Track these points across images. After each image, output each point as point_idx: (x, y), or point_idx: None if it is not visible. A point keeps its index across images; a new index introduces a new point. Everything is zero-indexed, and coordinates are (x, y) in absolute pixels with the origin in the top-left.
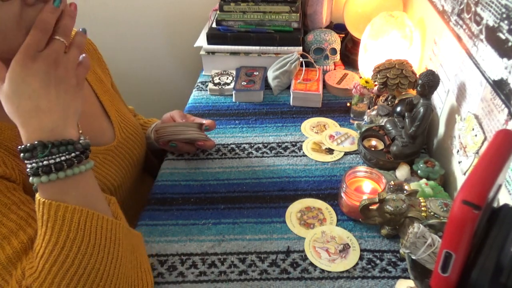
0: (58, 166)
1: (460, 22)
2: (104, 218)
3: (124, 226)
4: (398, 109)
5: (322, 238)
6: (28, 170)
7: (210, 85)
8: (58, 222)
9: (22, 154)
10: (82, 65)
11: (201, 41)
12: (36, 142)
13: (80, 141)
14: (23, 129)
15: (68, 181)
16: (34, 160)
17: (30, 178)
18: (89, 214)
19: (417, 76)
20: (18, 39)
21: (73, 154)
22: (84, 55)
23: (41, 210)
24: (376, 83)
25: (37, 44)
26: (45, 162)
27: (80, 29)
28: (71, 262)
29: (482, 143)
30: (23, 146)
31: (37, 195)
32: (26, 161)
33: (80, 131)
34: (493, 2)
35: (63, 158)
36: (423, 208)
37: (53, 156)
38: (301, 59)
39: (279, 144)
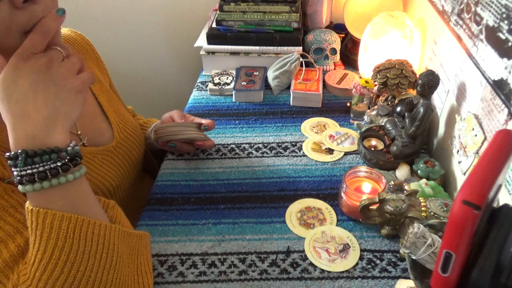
0: (42, 175)
1: (460, 22)
2: (96, 224)
3: (120, 230)
4: (398, 109)
5: (322, 238)
6: (13, 178)
7: (210, 85)
8: (46, 230)
9: (8, 162)
10: (85, 71)
11: (201, 41)
12: (19, 151)
13: (68, 149)
14: (10, 135)
15: (53, 190)
16: (17, 169)
17: (18, 186)
18: (79, 220)
19: (417, 76)
20: (9, 42)
21: (58, 163)
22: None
23: (30, 217)
24: (376, 83)
25: (34, 46)
26: (28, 171)
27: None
28: (61, 270)
29: (482, 143)
30: (8, 154)
31: (27, 203)
32: (12, 169)
33: (79, 132)
34: (493, 2)
35: (46, 167)
36: (423, 208)
37: (36, 165)
38: (301, 59)
39: (279, 144)
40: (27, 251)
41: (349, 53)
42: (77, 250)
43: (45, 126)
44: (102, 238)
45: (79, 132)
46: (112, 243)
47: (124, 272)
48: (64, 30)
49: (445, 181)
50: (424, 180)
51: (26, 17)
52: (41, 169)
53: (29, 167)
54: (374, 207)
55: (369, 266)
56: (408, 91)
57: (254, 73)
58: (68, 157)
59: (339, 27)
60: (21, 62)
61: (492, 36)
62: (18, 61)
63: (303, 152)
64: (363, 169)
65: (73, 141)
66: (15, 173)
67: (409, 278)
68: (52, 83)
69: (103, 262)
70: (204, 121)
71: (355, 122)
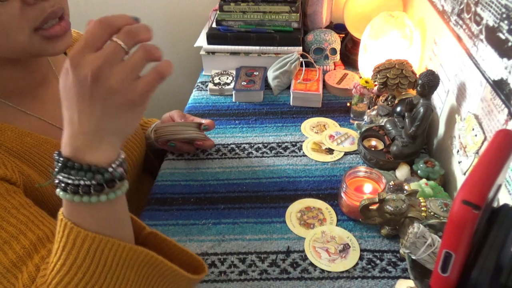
0: (73, 189)
1: (460, 22)
2: (120, 246)
3: (146, 253)
4: (398, 109)
5: (322, 238)
6: (58, 181)
7: (210, 85)
8: (68, 245)
9: (54, 161)
10: (146, 78)
11: (201, 41)
12: (61, 158)
13: (110, 169)
14: (63, 134)
15: (83, 206)
16: (62, 175)
17: (57, 190)
18: (103, 241)
19: (417, 76)
20: (20, 39)
21: (93, 182)
22: (162, 63)
23: (58, 225)
24: (376, 83)
25: (93, 41)
26: (75, 182)
27: (134, 18)
28: (75, 286)
29: (482, 143)
30: (55, 155)
31: (61, 209)
32: (56, 169)
33: (122, 156)
34: (493, 2)
35: (81, 182)
36: (423, 208)
37: (71, 177)
38: (301, 59)
39: (279, 144)
40: (33, 252)
41: (349, 53)
42: (94, 270)
43: (89, 141)
44: (123, 260)
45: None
46: (132, 266)
47: None
48: None
49: (445, 181)
50: (424, 180)
51: (36, 13)
52: (75, 182)
53: (65, 175)
54: (374, 207)
55: (369, 266)
56: (408, 91)
57: (254, 73)
58: (103, 180)
59: (339, 27)
60: (71, 67)
61: (492, 36)
62: (69, 65)
63: (303, 152)
64: (363, 169)
65: (119, 159)
66: (58, 177)
67: (409, 278)
68: (99, 98)
69: (121, 285)
70: (204, 121)
71: (355, 122)
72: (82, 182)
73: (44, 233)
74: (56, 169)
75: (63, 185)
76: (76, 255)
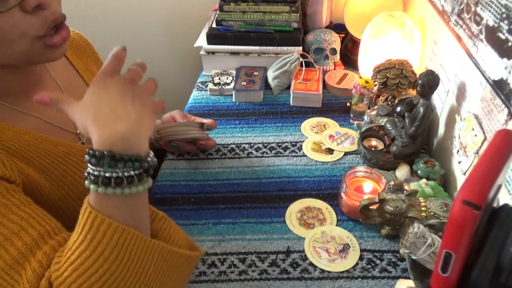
0: (118, 181)
1: (460, 22)
2: (142, 239)
3: (162, 247)
4: (398, 109)
5: (322, 238)
6: (87, 174)
7: (210, 85)
8: (97, 237)
9: (88, 158)
10: (156, 102)
11: (201, 41)
12: (105, 153)
13: (148, 159)
14: (97, 133)
15: (121, 197)
16: (97, 169)
17: (87, 182)
18: (130, 234)
19: (417, 76)
20: (21, 46)
21: (136, 172)
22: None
23: (85, 217)
24: (376, 83)
25: (113, 69)
26: (107, 174)
27: (120, 47)
28: (98, 278)
29: (482, 143)
30: (92, 151)
31: (86, 200)
32: (89, 165)
33: (78, 131)
34: (493, 2)
35: (126, 174)
36: (423, 208)
37: (117, 170)
38: (301, 59)
39: (279, 144)
40: (35, 248)
41: (349, 53)
42: (119, 263)
43: (135, 131)
44: (144, 253)
45: (78, 131)
46: (151, 260)
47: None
48: None
49: (445, 181)
50: (424, 180)
51: (39, 22)
52: (120, 174)
53: (112, 169)
54: (374, 207)
55: (369, 266)
56: (408, 91)
57: (254, 73)
58: (147, 167)
59: (339, 27)
60: (108, 78)
61: (492, 36)
62: (105, 76)
63: (303, 152)
64: (363, 169)
65: (151, 152)
66: (90, 170)
67: (409, 278)
68: (136, 95)
69: (137, 277)
70: (206, 121)
71: (355, 122)
72: (126, 173)
73: (46, 229)
74: (105, 166)
75: (106, 180)
76: (104, 247)
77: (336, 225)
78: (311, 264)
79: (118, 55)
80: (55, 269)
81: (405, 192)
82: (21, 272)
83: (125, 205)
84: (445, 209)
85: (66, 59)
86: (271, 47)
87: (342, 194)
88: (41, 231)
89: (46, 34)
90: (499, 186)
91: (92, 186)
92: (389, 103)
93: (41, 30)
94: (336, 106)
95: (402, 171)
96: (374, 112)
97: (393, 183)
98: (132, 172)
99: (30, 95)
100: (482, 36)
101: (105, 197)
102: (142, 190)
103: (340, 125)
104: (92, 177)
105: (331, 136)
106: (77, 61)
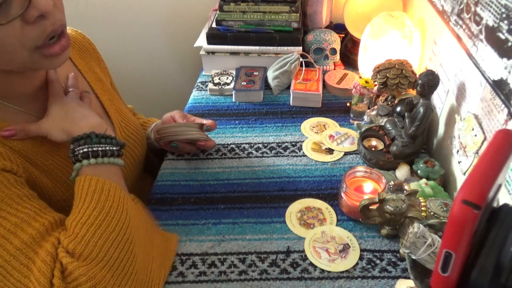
0: (103, 153)
1: (460, 22)
2: (126, 195)
3: (135, 204)
4: (398, 109)
5: (322, 238)
6: (78, 154)
7: (210, 85)
8: (104, 193)
9: (75, 143)
10: (85, 99)
11: (201, 41)
12: (89, 132)
13: (117, 139)
14: (75, 128)
15: (107, 166)
16: (86, 146)
17: (77, 163)
18: (122, 192)
19: (417, 76)
20: (22, 56)
21: (114, 148)
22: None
23: (87, 184)
24: (376, 83)
25: (60, 90)
26: (94, 148)
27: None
28: (113, 228)
29: (482, 143)
30: (77, 136)
31: (79, 178)
32: (77, 148)
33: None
34: (492, 2)
35: (107, 148)
36: (423, 208)
37: (101, 145)
38: (301, 59)
39: (279, 144)
40: (46, 234)
41: (349, 53)
42: (126, 214)
43: (99, 120)
44: (127, 206)
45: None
46: (131, 211)
47: (139, 250)
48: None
49: (445, 181)
50: (424, 180)
51: (38, 32)
52: (103, 148)
53: (96, 145)
54: (374, 207)
55: (369, 266)
56: (408, 91)
57: (254, 73)
58: (119, 145)
59: (339, 27)
60: (62, 97)
61: (492, 36)
62: (60, 96)
63: (303, 152)
64: (363, 169)
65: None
66: (80, 151)
67: (409, 278)
68: (82, 103)
69: (125, 227)
70: (205, 121)
71: (355, 122)
72: (108, 148)
73: (54, 219)
74: (95, 139)
75: (93, 153)
76: (112, 201)
77: (336, 225)
78: (311, 264)
79: (53, 78)
80: (65, 236)
81: (405, 192)
82: (34, 258)
83: (112, 173)
84: (445, 209)
85: (69, 60)
86: (271, 47)
87: (342, 194)
88: (51, 220)
89: (44, 44)
90: (499, 186)
91: (84, 161)
92: (389, 103)
93: (39, 40)
94: (336, 106)
95: (402, 171)
96: (374, 112)
97: (393, 183)
98: (110, 147)
99: (36, 97)
100: (482, 36)
101: (96, 167)
102: (119, 164)
103: (340, 125)
104: (84, 155)
105: (331, 136)
106: (80, 62)
